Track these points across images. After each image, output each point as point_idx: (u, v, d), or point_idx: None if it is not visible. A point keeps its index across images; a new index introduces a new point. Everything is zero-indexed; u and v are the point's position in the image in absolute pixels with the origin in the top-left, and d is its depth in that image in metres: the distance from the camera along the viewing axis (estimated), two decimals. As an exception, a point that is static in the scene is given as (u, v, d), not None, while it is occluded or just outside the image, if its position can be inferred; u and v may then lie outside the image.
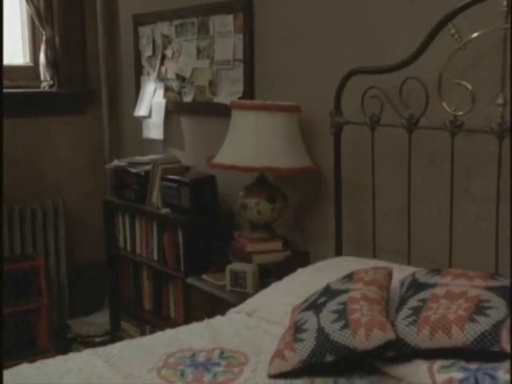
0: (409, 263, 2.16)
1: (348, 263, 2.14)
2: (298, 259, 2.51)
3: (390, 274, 1.85)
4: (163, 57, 3.38)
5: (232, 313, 2.10)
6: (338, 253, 2.41)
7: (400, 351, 1.53)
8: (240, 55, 2.90)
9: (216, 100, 3.06)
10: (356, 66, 2.24)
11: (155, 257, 3.15)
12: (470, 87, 1.87)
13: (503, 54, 1.79)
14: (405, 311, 1.61)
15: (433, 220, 2.18)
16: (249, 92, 2.87)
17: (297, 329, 1.65)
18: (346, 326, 1.55)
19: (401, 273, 1.92)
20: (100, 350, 1.81)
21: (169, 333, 1.96)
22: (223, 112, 2.81)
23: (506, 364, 1.42)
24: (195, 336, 1.89)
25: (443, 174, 2.08)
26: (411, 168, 2.15)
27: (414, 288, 1.72)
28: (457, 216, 2.06)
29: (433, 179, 2.17)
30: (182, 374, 1.62)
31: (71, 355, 1.79)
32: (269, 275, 2.47)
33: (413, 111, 2.07)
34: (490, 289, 1.62)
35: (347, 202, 2.44)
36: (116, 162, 3.38)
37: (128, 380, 1.60)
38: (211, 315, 2.10)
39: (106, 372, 1.65)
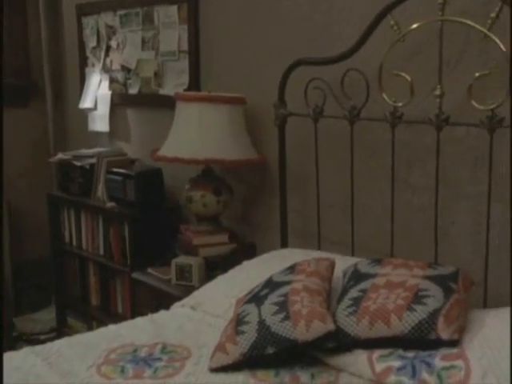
0: (352, 254, 2.18)
1: (292, 255, 2.14)
2: (244, 251, 2.50)
3: (332, 265, 1.86)
4: (108, 48, 3.31)
5: (176, 307, 2.08)
6: (284, 244, 2.41)
7: (340, 342, 1.54)
8: (185, 46, 2.86)
9: (162, 92, 3.03)
10: (300, 57, 2.24)
11: (101, 251, 3.09)
12: (408, 78, 1.88)
13: (440, 45, 1.81)
14: (345, 302, 1.62)
15: (376, 211, 2.20)
16: (194, 84, 2.84)
17: (238, 321, 1.64)
18: (286, 317, 1.55)
19: (344, 263, 1.93)
20: (38, 347, 1.76)
21: (111, 328, 1.92)
22: (169, 104, 2.77)
23: (442, 351, 1.45)
24: (138, 331, 1.86)
25: (385, 165, 2.09)
26: (355, 159, 2.16)
27: (355, 278, 1.74)
28: (398, 206, 2.08)
29: (375, 170, 2.19)
30: (123, 370, 1.60)
31: (8, 354, 1.73)
32: (215, 268, 2.45)
33: (355, 103, 2.08)
34: (428, 278, 1.64)
35: (293, 193, 2.44)
36: (60, 156, 3.30)
37: (66, 378, 1.56)
38: (157, 309, 2.07)
39: (43, 371, 1.60)
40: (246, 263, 2.21)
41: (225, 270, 2.25)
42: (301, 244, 2.37)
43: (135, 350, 1.70)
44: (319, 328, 1.52)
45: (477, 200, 1.90)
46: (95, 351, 1.71)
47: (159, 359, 1.65)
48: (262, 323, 1.58)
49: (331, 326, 1.53)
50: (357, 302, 1.59)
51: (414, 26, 1.85)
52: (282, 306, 1.59)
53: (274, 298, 1.66)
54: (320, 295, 1.66)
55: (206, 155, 2.39)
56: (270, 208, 2.57)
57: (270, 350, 1.54)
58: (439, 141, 1.87)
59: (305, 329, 1.52)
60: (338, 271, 1.88)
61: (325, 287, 1.73)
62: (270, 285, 1.76)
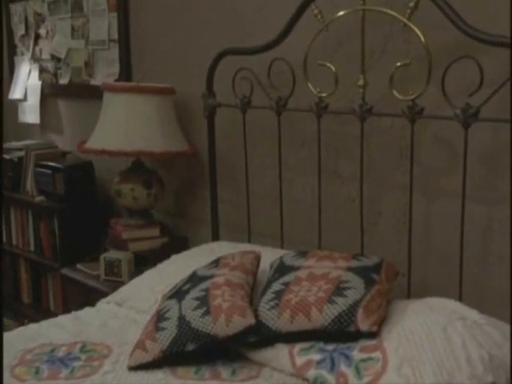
0: (282, 246, 2.16)
1: (221, 248, 2.11)
2: (176, 245, 2.45)
3: (257, 258, 1.84)
4: (37, 36, 3.21)
5: (102, 303, 2.02)
6: (215, 238, 2.37)
7: (262, 336, 1.52)
8: (115, 35, 2.79)
9: (93, 82, 2.95)
10: (229, 47, 2.19)
11: (32, 247, 3.00)
12: (333, 68, 1.86)
13: (362, 35, 1.79)
14: (268, 295, 1.60)
15: (306, 202, 2.19)
16: (125, 74, 2.78)
17: (159, 318, 1.60)
18: (206, 312, 1.52)
19: (273, 256, 1.90)
20: (-49, 349, 1.68)
21: (31, 327, 1.86)
22: (101, 95, 2.69)
23: (361, 343, 1.43)
24: (58, 330, 1.80)
25: (315, 156, 2.07)
26: (284, 150, 2.14)
27: (280, 271, 1.71)
28: (328, 197, 2.07)
29: (305, 161, 2.17)
30: (37, 372, 1.53)
31: None
32: (146, 263, 2.40)
33: (283, 93, 2.05)
34: (351, 269, 1.63)
35: (225, 185, 2.40)
36: (-12, 148, 3.18)
37: (-25, 381, 1.49)
38: (86, 306, 2.01)
39: (-48, 374, 1.53)
40: (174, 257, 2.16)
41: (156, 264, 2.19)
42: (233, 237, 2.34)
43: (53, 350, 1.64)
44: (239, 323, 1.49)
45: (402, 190, 1.90)
46: (11, 352, 1.64)
47: (77, 358, 1.59)
48: (182, 319, 1.54)
49: (251, 321, 1.50)
50: (279, 295, 1.57)
51: (337, 15, 1.82)
52: (203, 301, 1.56)
53: (195, 292, 1.62)
54: (242, 289, 1.63)
55: (134, 147, 2.33)
56: (202, 200, 2.53)
57: (191, 347, 1.51)
58: (363, 131, 1.86)
59: (225, 324, 1.49)
60: (266, 264, 1.86)
61: (248, 281, 1.70)
62: (193, 279, 1.72)
